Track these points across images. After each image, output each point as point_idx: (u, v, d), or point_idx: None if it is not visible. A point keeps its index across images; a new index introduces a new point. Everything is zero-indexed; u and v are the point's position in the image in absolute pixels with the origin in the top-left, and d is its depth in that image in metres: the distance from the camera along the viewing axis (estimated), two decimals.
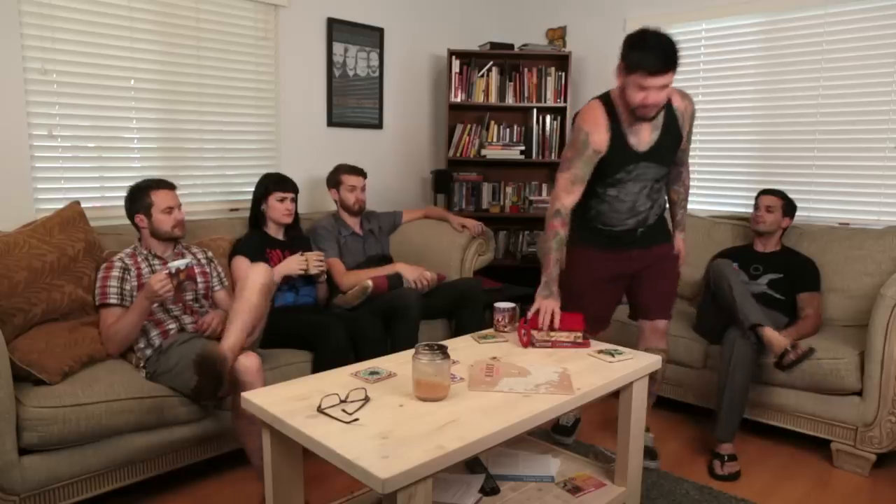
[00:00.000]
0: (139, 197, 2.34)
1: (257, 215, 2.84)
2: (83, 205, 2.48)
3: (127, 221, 2.69)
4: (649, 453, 2.43)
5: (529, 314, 2.11)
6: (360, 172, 3.12)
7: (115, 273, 2.28)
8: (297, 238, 2.90)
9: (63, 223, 2.32)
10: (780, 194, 2.83)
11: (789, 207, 2.84)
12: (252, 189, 2.86)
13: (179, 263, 2.12)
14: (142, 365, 2.21)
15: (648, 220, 2.30)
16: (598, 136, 2.13)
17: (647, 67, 1.94)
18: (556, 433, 2.64)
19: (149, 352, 2.23)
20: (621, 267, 2.35)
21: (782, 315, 2.70)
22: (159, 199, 2.34)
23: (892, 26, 2.96)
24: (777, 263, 2.81)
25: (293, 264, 2.66)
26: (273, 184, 2.79)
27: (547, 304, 2.11)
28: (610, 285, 2.38)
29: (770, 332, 2.37)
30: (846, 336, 2.61)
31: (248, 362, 2.01)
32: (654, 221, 2.32)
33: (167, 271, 2.10)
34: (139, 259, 2.35)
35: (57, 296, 2.18)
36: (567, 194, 2.17)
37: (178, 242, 2.48)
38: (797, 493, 2.29)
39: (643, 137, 2.16)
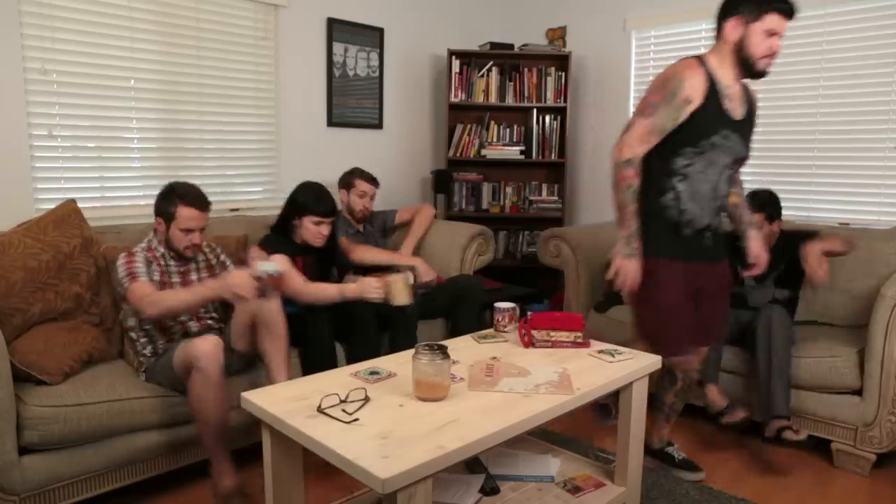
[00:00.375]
0: (168, 201, 2.21)
1: (285, 223, 2.63)
2: (83, 205, 2.48)
3: (127, 221, 2.71)
4: (687, 465, 2.35)
5: (609, 275, 2.03)
6: (374, 181, 3.06)
7: (140, 258, 2.18)
8: (326, 245, 2.66)
9: (57, 221, 2.30)
10: (757, 206, 2.61)
11: (773, 210, 2.67)
12: (255, 189, 2.81)
13: (270, 268, 1.90)
14: (142, 370, 2.20)
15: (721, 213, 2.13)
16: (696, 83, 1.93)
17: (785, 9, 1.88)
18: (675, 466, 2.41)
19: (154, 360, 2.20)
20: (691, 281, 2.09)
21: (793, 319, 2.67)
22: (183, 216, 2.20)
23: (892, 26, 2.96)
24: (777, 256, 2.62)
25: (370, 291, 2.34)
26: (313, 203, 2.54)
27: (628, 264, 1.98)
28: (689, 301, 2.09)
29: (712, 393, 2.53)
30: (846, 335, 2.61)
31: (204, 345, 1.95)
32: (720, 224, 2.14)
33: (253, 273, 1.92)
34: (157, 255, 2.27)
35: (52, 295, 2.18)
36: (641, 143, 1.96)
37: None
38: (797, 493, 2.28)
39: (736, 107, 2.01)
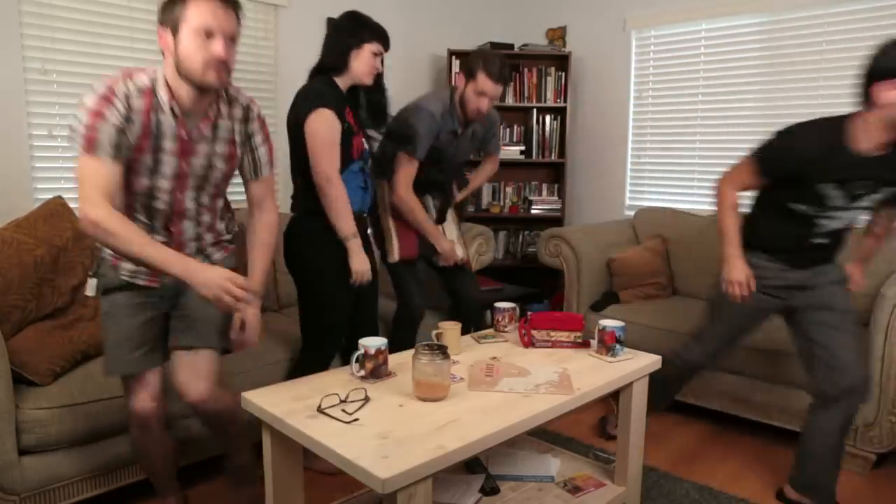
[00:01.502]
0: (172, 1, 1.47)
1: (336, 61, 2.18)
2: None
3: None
4: None
5: None
6: (502, 80, 2.43)
7: (114, 118, 1.43)
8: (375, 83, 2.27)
9: (46, 216, 2.27)
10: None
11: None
12: None
13: (379, 344, 1.66)
14: (93, 272, 1.67)
15: None
16: None
17: None
18: None
19: (108, 274, 1.65)
20: None
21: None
22: (195, 12, 1.44)
23: (892, 26, 2.96)
24: (888, 171, 1.90)
25: (362, 264, 2.13)
26: (372, 33, 2.22)
27: None
28: None
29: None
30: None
31: (141, 404, 1.71)
32: None
33: (362, 350, 1.65)
34: (153, 103, 1.50)
35: (49, 290, 2.17)
36: None
37: (222, 93, 1.60)
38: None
39: None
